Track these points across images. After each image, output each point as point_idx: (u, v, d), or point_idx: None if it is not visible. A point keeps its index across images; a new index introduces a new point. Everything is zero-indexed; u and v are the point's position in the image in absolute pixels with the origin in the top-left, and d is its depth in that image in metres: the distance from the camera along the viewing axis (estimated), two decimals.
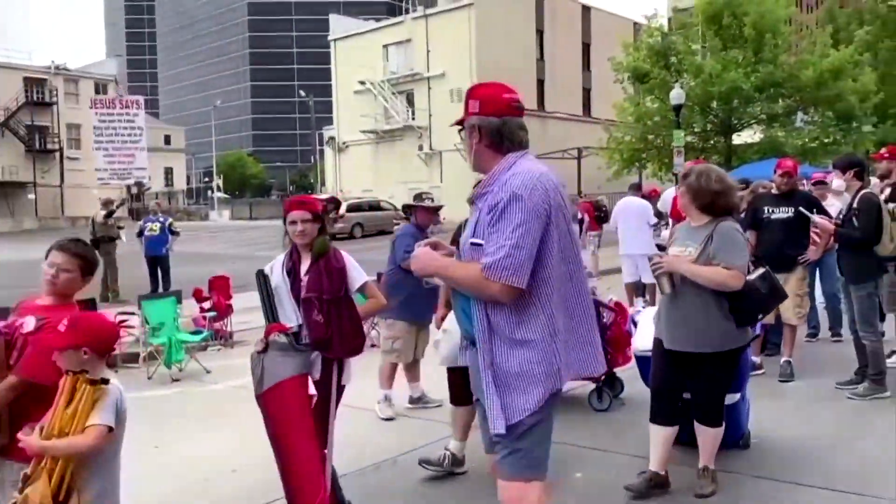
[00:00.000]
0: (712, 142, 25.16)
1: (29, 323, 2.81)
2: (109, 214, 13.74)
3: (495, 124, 2.59)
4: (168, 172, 69.59)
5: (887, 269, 5.71)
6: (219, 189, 72.29)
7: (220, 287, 9.89)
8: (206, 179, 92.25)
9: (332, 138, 51.03)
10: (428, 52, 44.54)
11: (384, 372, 5.97)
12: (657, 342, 4.08)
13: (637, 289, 10.52)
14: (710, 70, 22.96)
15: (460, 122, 2.70)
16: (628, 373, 5.81)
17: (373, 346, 7.32)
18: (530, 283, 2.45)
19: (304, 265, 3.81)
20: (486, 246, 2.45)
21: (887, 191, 5.95)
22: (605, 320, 5.56)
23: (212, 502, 4.47)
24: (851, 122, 24.08)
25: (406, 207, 6.05)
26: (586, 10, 49.77)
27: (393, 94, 45.78)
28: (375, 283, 4.61)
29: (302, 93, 52.17)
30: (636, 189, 10.58)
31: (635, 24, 41.66)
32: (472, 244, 2.54)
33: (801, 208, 6.11)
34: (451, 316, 4.09)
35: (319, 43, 59.23)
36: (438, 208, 6.11)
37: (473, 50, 42.22)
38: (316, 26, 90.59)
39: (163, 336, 8.11)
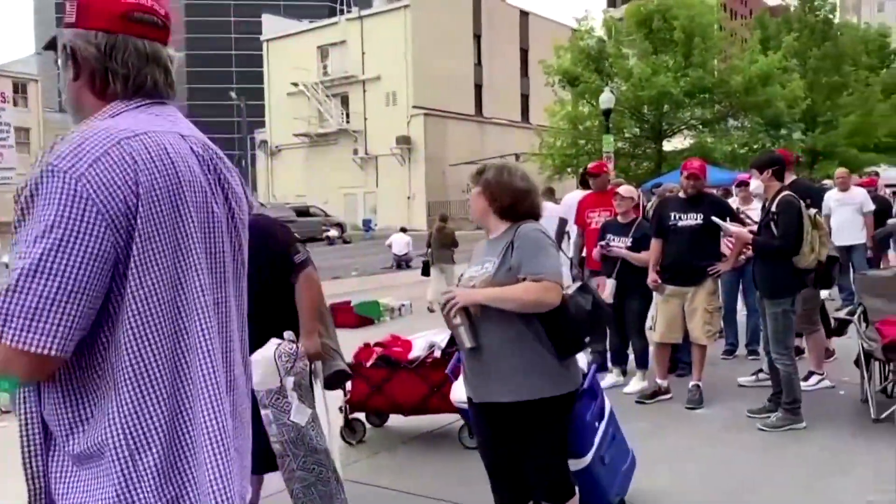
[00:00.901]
0: (643, 148, 24.84)
1: None
2: None
3: (97, 45, 1.44)
4: None
5: (806, 283, 5.00)
6: None
7: None
8: None
9: (264, 142, 49.55)
10: (363, 54, 43.62)
11: None
12: (469, 399, 3.08)
13: None
14: (639, 74, 22.62)
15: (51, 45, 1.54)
16: None
17: None
18: (105, 341, 1.33)
19: None
20: None
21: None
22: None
23: None
24: (780, 128, 24.06)
25: None
26: (524, 15, 49.56)
27: (327, 96, 44.67)
28: None
29: (233, 94, 50.32)
30: (549, 194, 9.78)
31: (574, 30, 41.52)
32: None
33: (711, 216, 5.40)
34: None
35: (257, 45, 57.75)
36: None
37: (409, 53, 41.51)
38: (254, 28, 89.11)
39: None
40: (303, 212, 33.20)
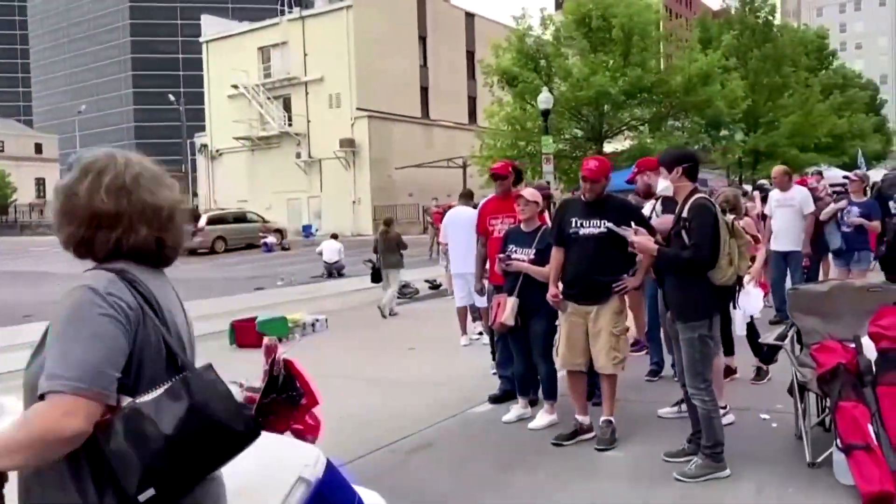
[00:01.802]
0: (584, 150, 24.26)
1: None
2: None
3: None
4: (39, 183, 64.42)
5: (725, 302, 4.24)
6: None
7: None
8: None
9: (204, 146, 47.95)
10: (305, 55, 42.51)
11: None
12: None
13: (472, 312, 8.97)
14: (578, 74, 22.03)
15: None
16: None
17: None
18: None
19: None
20: None
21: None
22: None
23: None
24: (720, 129, 23.75)
25: None
26: (470, 17, 48.98)
27: (269, 98, 43.38)
28: None
29: (171, 97, 48.77)
30: (467, 198, 8.98)
31: (513, 29, 41.07)
32: None
33: (609, 224, 4.60)
34: None
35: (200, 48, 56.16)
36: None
37: (352, 54, 40.60)
38: (198, 30, 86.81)
39: None
40: (240, 218, 32.02)
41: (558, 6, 74.74)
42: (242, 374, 3.01)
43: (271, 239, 29.49)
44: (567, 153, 23.77)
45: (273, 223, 32.91)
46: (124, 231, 1.64)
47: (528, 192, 5.38)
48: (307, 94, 42.74)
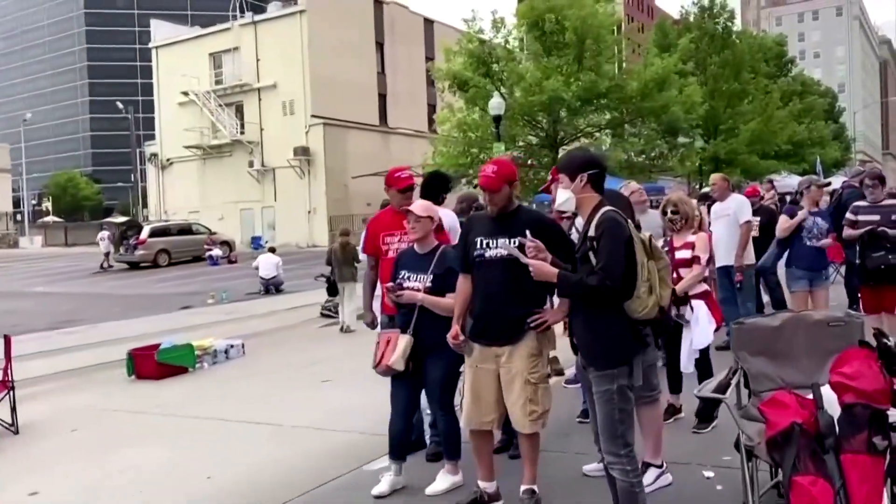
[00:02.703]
0: (539, 157, 23.43)
1: None
2: None
3: None
4: None
5: (647, 341, 3.34)
6: (47, 212, 65.63)
7: None
8: (34, 202, 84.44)
9: (154, 155, 46.38)
10: (258, 61, 41.36)
11: None
12: None
13: None
14: (530, 78, 21.21)
15: None
16: None
17: None
18: None
19: None
20: None
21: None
22: None
23: None
24: (677, 135, 23.10)
25: None
26: (429, 23, 48.19)
27: (220, 106, 42.05)
28: None
29: (119, 105, 47.16)
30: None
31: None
32: None
33: (509, 242, 3.66)
34: None
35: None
36: None
37: (306, 60, 39.57)
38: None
39: None
40: (185, 230, 30.70)
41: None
42: None
43: (217, 252, 28.23)
44: (522, 160, 22.91)
45: (220, 235, 31.61)
46: None
47: (419, 206, 4.38)
48: (260, 100, 41.57)
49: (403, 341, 4.20)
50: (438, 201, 5.57)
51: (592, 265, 3.20)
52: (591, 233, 3.24)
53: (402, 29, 45.77)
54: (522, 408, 3.77)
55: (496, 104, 19.00)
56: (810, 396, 3.33)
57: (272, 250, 18.42)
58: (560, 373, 6.51)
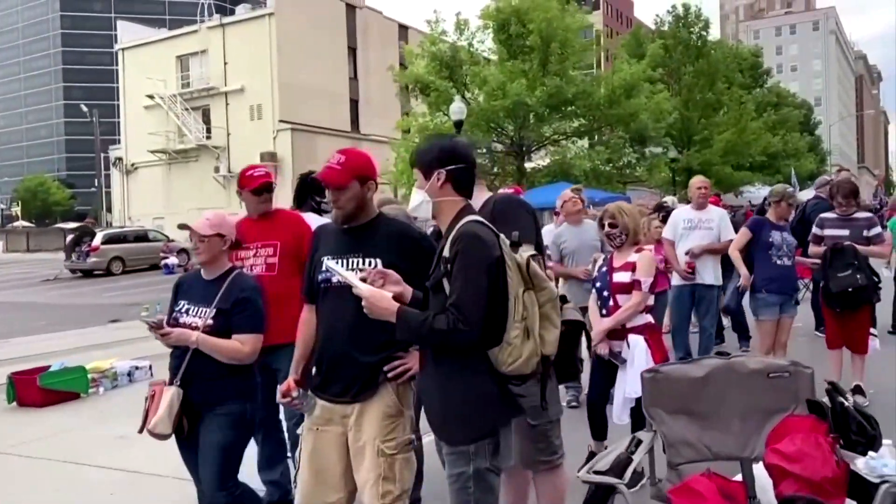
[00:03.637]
0: (503, 165, 22.56)
1: None
2: None
3: None
4: None
5: (520, 405, 2.45)
6: (17, 217, 64.20)
7: None
8: (2, 206, 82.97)
9: (119, 159, 45.16)
10: (225, 64, 40.33)
11: None
12: None
13: None
14: (493, 82, 20.37)
15: None
16: None
17: None
18: None
19: None
20: None
21: None
22: None
23: None
24: (645, 143, 22.34)
25: None
26: (403, 29, 47.41)
27: (186, 110, 40.95)
28: None
29: (84, 108, 45.95)
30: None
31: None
32: None
33: (342, 263, 2.74)
34: None
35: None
36: None
37: (275, 64, 38.69)
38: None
39: None
40: (141, 237, 29.51)
41: None
42: None
43: (173, 260, 27.06)
44: (486, 168, 22.07)
45: (177, 243, 30.42)
46: None
47: (204, 223, 3.30)
48: (227, 105, 40.61)
49: (168, 395, 3.15)
50: (314, 207, 4.70)
51: (445, 294, 2.31)
52: (446, 252, 2.36)
53: (375, 34, 45.01)
54: (373, 487, 2.75)
55: (457, 109, 18.15)
56: (738, 480, 2.45)
57: None
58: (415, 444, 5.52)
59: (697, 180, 6.89)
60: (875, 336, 5.65)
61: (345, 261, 2.83)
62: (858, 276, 5.14)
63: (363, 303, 2.46)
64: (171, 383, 3.15)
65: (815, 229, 5.93)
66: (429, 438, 3.20)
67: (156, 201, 41.72)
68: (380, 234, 2.87)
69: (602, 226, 4.38)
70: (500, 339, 2.29)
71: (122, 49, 45.16)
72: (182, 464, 3.50)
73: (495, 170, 22.18)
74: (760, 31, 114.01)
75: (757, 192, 22.41)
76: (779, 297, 5.61)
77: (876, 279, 5.26)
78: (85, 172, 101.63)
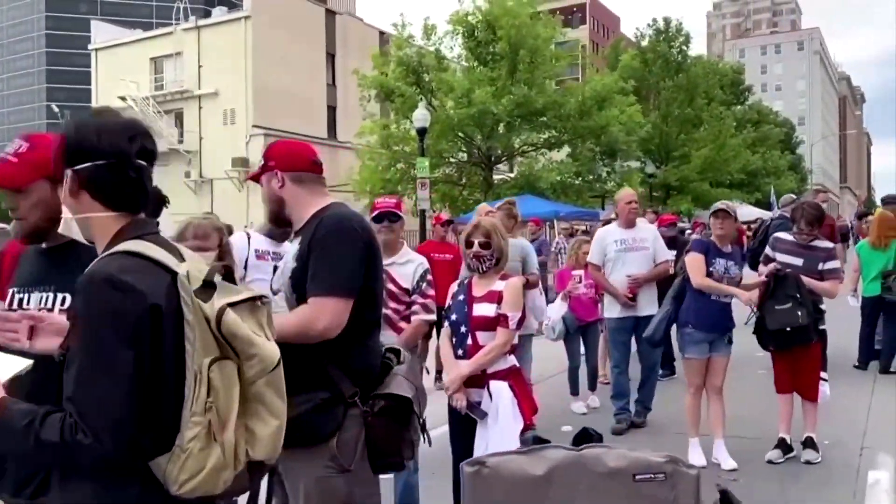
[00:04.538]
0: (469, 175, 21.84)
1: None
2: None
3: None
4: None
5: None
6: None
7: None
8: None
9: None
10: (200, 67, 39.46)
11: None
12: None
13: None
14: (459, 89, 19.66)
15: None
16: None
17: None
18: None
19: None
20: None
21: None
22: None
23: None
24: (616, 157, 21.69)
25: None
26: (384, 36, 46.73)
27: (158, 112, 40.00)
28: None
29: (54, 108, 45.02)
30: None
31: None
32: None
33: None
34: None
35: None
36: None
37: (249, 68, 37.90)
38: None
39: None
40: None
41: None
42: None
43: None
44: (454, 179, 21.32)
45: None
46: None
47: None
48: (200, 108, 39.74)
49: None
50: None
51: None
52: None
53: (355, 41, 44.32)
54: None
55: (421, 115, 17.43)
56: None
57: None
58: None
59: (626, 194, 6.08)
60: (825, 381, 4.90)
61: (28, 295, 2.04)
62: (799, 313, 4.37)
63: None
64: None
65: (767, 249, 5.19)
66: None
67: None
68: (71, 260, 2.00)
69: (469, 244, 3.52)
70: (168, 444, 1.49)
71: (96, 49, 44.23)
72: None
73: (462, 181, 21.52)
74: (746, 50, 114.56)
75: (740, 210, 21.76)
76: (708, 334, 4.85)
77: (818, 315, 4.52)
78: None
